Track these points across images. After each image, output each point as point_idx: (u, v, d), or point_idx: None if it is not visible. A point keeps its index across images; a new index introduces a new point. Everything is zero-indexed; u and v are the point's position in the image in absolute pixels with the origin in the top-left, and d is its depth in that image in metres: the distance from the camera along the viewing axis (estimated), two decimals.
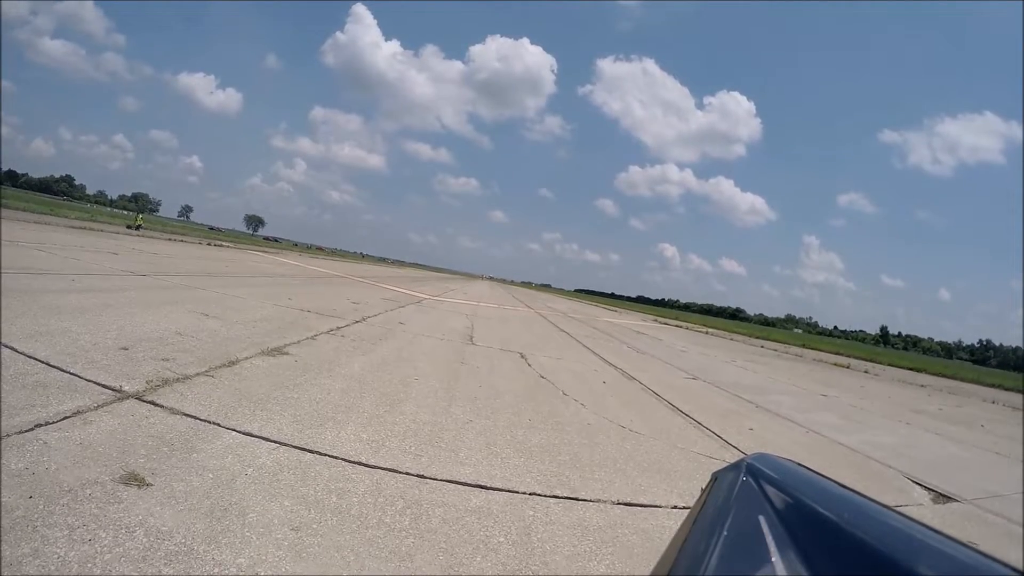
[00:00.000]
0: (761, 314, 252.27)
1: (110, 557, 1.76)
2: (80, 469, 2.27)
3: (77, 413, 2.83)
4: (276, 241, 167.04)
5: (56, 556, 1.72)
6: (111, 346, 4.25)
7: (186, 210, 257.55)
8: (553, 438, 3.92)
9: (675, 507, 3.00)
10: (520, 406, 4.78)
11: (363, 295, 14.07)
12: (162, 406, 3.15)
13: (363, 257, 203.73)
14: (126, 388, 3.33)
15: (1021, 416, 13.29)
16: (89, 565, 1.71)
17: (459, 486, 2.75)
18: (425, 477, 2.77)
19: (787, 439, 5.46)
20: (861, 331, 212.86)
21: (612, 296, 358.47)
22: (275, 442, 2.88)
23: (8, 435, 2.47)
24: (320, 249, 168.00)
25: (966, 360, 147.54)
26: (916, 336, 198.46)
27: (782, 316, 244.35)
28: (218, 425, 2.98)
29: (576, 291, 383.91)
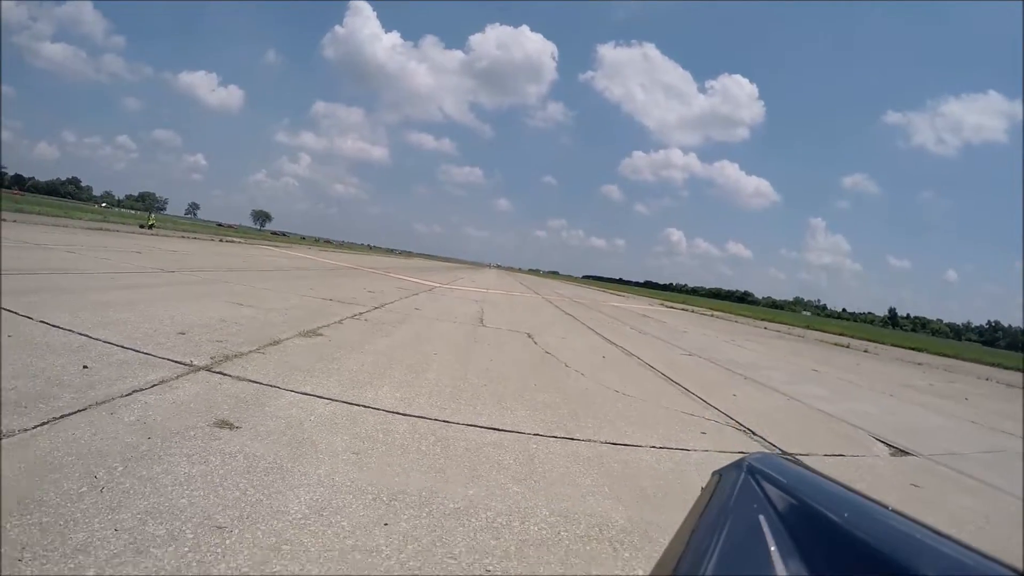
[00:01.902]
0: (769, 297, 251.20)
1: (223, 472, 2.40)
2: (181, 419, 2.92)
3: (163, 382, 3.49)
4: (284, 235, 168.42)
5: (183, 472, 2.36)
6: (170, 332, 4.91)
7: (193, 208, 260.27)
8: (554, 398, 4.57)
9: (652, 447, 3.63)
10: (526, 375, 5.43)
11: (377, 285, 14.75)
12: (229, 375, 3.81)
13: (371, 249, 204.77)
14: (196, 363, 3.99)
15: (1007, 391, 13.76)
16: (208, 477, 2.34)
17: (477, 428, 3.42)
18: (449, 422, 3.44)
19: (766, 405, 6.07)
20: (870, 313, 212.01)
21: (620, 282, 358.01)
22: (327, 399, 3.55)
23: (113, 398, 3.12)
24: (328, 242, 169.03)
25: (975, 341, 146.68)
26: (925, 318, 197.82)
27: (790, 299, 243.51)
28: (278, 388, 3.64)
29: (584, 277, 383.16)
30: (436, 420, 3.45)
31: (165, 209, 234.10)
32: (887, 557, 0.46)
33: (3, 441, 2.38)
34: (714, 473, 0.68)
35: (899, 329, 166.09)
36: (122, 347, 4.17)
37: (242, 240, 39.63)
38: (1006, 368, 22.77)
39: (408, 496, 2.39)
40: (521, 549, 2.10)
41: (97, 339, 4.30)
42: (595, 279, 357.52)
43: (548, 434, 3.53)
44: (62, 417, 2.71)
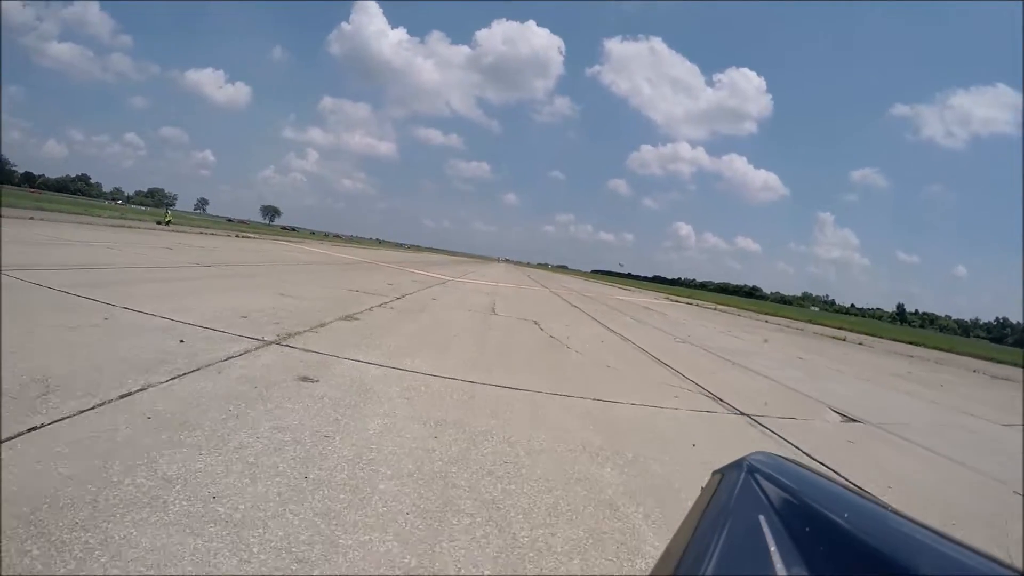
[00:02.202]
0: (778, 292, 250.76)
1: (317, 407, 3.35)
2: (272, 376, 3.88)
3: (247, 352, 4.45)
4: (293, 230, 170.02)
5: (288, 407, 3.30)
6: (233, 316, 5.88)
7: (202, 203, 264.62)
8: (555, 370, 5.53)
9: (631, 403, 4.59)
10: (532, 353, 6.39)
11: (394, 278, 15.75)
12: (295, 347, 4.78)
13: (380, 243, 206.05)
14: (266, 339, 4.96)
15: (988, 382, 14.55)
16: (308, 410, 3.28)
17: (494, 386, 4.40)
18: (473, 382, 4.41)
19: (741, 382, 6.98)
20: (878, 309, 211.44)
21: (628, 276, 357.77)
22: (376, 364, 4.52)
23: (215, 363, 4.08)
24: (337, 236, 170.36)
25: (983, 338, 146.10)
26: (933, 314, 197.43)
27: (799, 294, 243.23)
28: (336, 357, 4.61)
29: (593, 272, 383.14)
30: (462, 380, 4.43)
31: (175, 205, 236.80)
32: (887, 557, 0.46)
33: (148, 391, 3.36)
34: (714, 473, 0.68)
35: (907, 325, 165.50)
36: (201, 327, 5.14)
37: (256, 236, 40.77)
38: (1001, 363, 23.28)
39: (448, 423, 3.35)
40: (528, 455, 3.05)
41: (178, 321, 5.27)
42: (603, 273, 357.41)
43: (549, 392, 4.50)
44: (184, 375, 3.67)
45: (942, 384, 11.22)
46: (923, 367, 15.02)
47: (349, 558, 1.86)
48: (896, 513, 0.53)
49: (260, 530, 1.94)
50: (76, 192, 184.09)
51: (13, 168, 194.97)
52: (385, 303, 8.87)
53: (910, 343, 28.51)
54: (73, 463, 2.20)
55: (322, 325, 5.98)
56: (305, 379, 3.87)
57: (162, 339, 4.48)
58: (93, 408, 2.80)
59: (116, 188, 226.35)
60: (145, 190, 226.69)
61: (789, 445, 4.12)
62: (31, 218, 18.26)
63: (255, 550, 1.82)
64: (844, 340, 21.78)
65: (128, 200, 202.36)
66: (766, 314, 38.31)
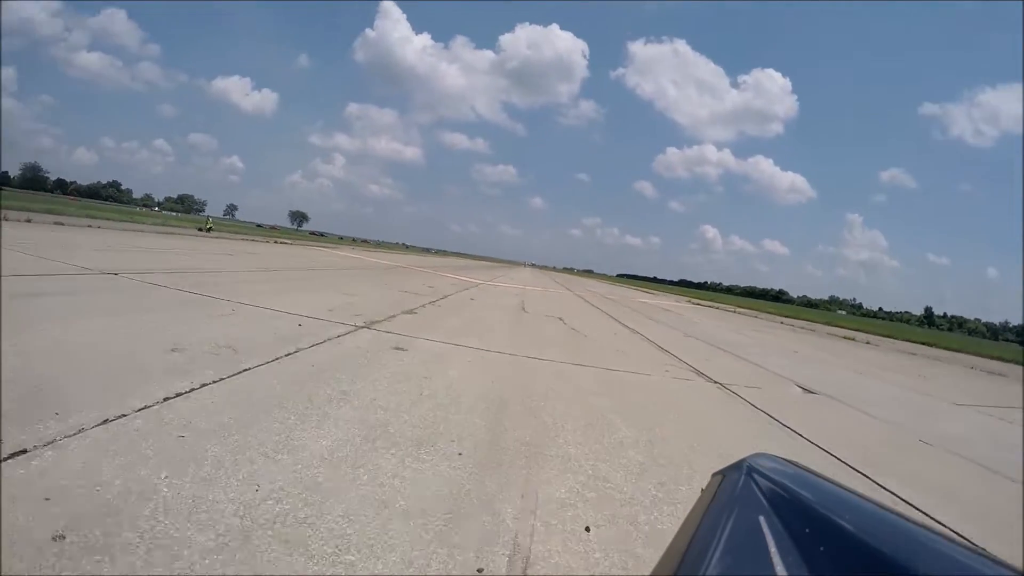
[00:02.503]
0: (805, 296, 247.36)
1: (413, 364, 4.99)
2: (374, 346, 5.54)
3: (348, 332, 6.13)
4: (321, 235, 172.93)
5: (394, 363, 4.95)
6: (322, 309, 7.58)
7: (231, 209, 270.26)
8: (574, 351, 7.14)
9: (630, 372, 6.17)
10: (557, 340, 8.00)
11: (432, 281, 17.51)
12: (380, 330, 6.46)
13: (407, 248, 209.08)
14: (358, 324, 6.65)
15: (977, 375, 15.63)
16: (408, 365, 4.92)
17: (529, 358, 6.04)
18: (514, 355, 6.05)
19: (728, 365, 8.46)
20: (907, 312, 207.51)
21: (654, 280, 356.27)
22: (442, 342, 6.19)
23: (331, 339, 5.75)
24: (365, 242, 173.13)
25: (1013, 341, 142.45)
26: (962, 317, 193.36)
27: (826, 298, 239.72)
28: (412, 337, 6.28)
29: (618, 276, 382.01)
30: (506, 354, 6.09)
31: (204, 211, 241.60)
32: (887, 557, 0.47)
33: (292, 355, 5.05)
34: (714, 474, 0.69)
35: (935, 328, 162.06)
36: (306, 316, 6.83)
37: (290, 241, 42.95)
38: (1006, 361, 23.71)
39: (502, 378, 4.98)
40: (553, 391, 4.66)
41: (285, 312, 6.96)
42: (629, 277, 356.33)
43: (569, 362, 6.12)
44: (318, 344, 5.35)
45: (923, 375, 12.43)
46: (917, 362, 16.17)
47: (454, 425, 3.47)
48: (896, 514, 0.54)
49: (404, 415, 3.56)
50: (107, 198, 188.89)
51: (46, 175, 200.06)
52: (432, 302, 10.57)
53: (922, 343, 29.20)
54: (288, 384, 3.88)
55: (391, 317, 7.67)
56: (397, 348, 5.54)
57: (285, 324, 6.16)
58: (277, 359, 4.47)
59: (147, 194, 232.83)
60: (175, 196, 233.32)
61: (743, 400, 5.64)
62: (89, 226, 19.86)
63: (405, 419, 3.45)
64: (853, 340, 22.85)
65: (159, 206, 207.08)
66: (785, 316, 39.20)
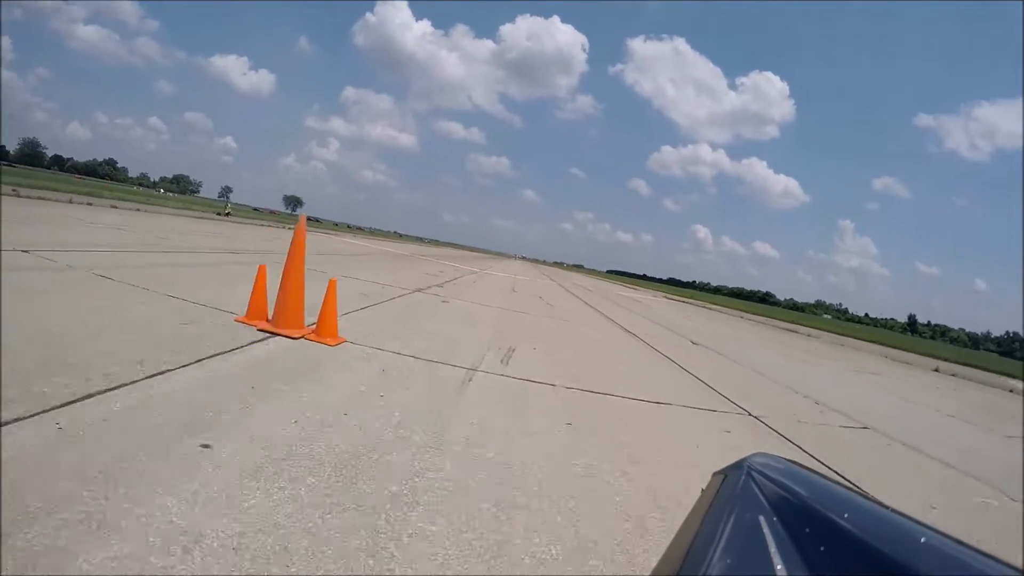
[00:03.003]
0: (791, 299, 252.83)
1: (456, 309, 8.90)
2: (428, 300, 9.42)
3: (410, 293, 10.02)
4: (318, 221, 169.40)
5: (447, 309, 8.83)
6: (375, 282, 11.47)
7: (226, 191, 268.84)
8: (547, 314, 11.10)
9: (581, 327, 10.16)
10: (536, 308, 11.96)
11: (439, 268, 21.41)
12: (427, 294, 10.36)
13: (400, 236, 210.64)
14: (411, 289, 10.54)
15: (931, 376, 19.77)
16: (457, 309, 8.82)
17: (517, 312, 10.02)
18: (511, 310, 10.03)
19: (652, 330, 12.45)
20: (892, 319, 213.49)
21: (644, 277, 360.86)
22: (469, 302, 10.14)
23: (401, 295, 9.65)
24: (360, 229, 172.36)
25: (992, 351, 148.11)
26: (945, 326, 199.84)
27: (811, 302, 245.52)
28: (448, 300, 10.20)
29: (608, 272, 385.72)
30: (505, 309, 10.06)
31: (199, 191, 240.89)
32: (887, 558, 0.47)
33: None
34: (714, 474, 0.70)
35: (918, 336, 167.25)
36: (373, 283, 10.72)
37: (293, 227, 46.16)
38: (974, 367, 24.82)
39: (507, 311, 8.94)
40: (533, 325, 8.63)
41: (367, 281, 10.86)
42: (619, 274, 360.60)
43: (543, 316, 10.10)
44: (396, 298, 9.22)
45: (810, 351, 16.51)
46: (834, 348, 20.28)
47: (482, 329, 7.40)
48: (897, 513, 0.54)
49: (458, 334, 7.45)
50: (104, 176, 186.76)
51: (44, 150, 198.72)
52: (448, 281, 14.50)
53: (871, 341, 33.32)
54: (401, 309, 7.80)
55: (428, 287, 11.57)
56: (444, 301, 9.45)
57: (365, 288, 10.04)
58: (386, 301, 8.35)
59: (142, 174, 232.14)
60: (170, 176, 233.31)
61: (643, 343, 9.60)
62: (114, 206, 20.22)
63: (461, 335, 7.36)
64: (795, 332, 26.98)
65: (154, 185, 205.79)
66: (757, 314, 43.32)
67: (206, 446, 2.31)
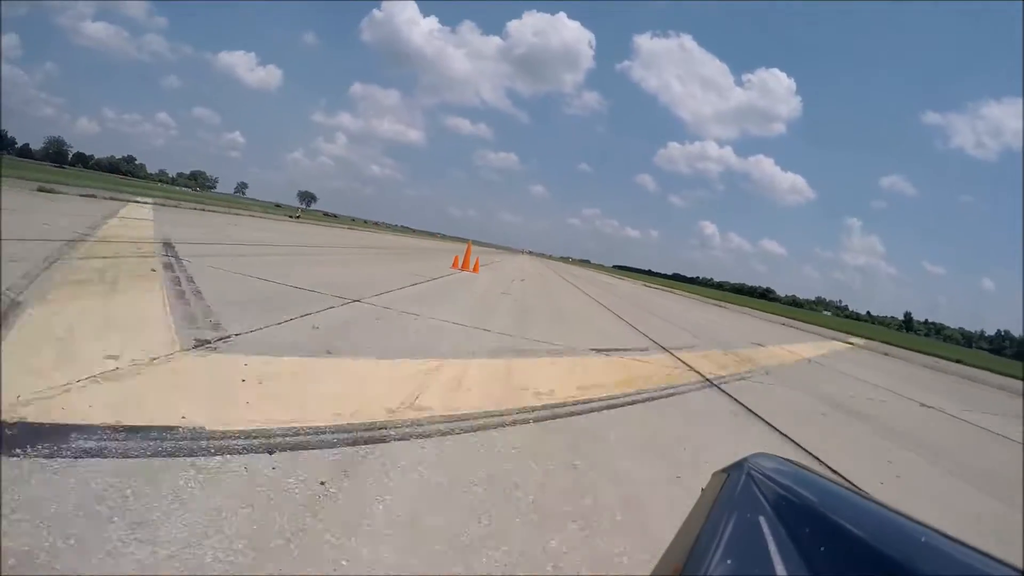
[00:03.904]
0: (793, 296, 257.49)
1: (491, 278, 15.16)
2: (466, 278, 15.72)
3: (455, 273, 16.32)
4: (335, 216, 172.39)
5: (487, 279, 15.13)
6: (436, 267, 17.73)
7: (241, 187, 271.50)
8: (544, 284, 17.38)
9: (560, 291, 16.50)
10: (539, 282, 18.24)
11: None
12: (489, 261, 16.67)
13: (413, 232, 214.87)
14: (452, 272, 16.83)
15: (881, 359, 25.88)
16: (488, 278, 15.07)
17: (520, 282, 16.37)
18: (523, 280, 16.38)
19: (617, 303, 18.69)
20: (892, 317, 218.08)
21: (648, 272, 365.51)
22: (509, 268, 16.48)
23: (450, 274, 15.92)
24: (376, 224, 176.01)
25: (984, 349, 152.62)
26: (941, 324, 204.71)
27: (812, 298, 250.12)
28: (475, 274, 16.51)
29: (614, 267, 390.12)
30: (517, 280, 16.40)
31: (216, 187, 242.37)
32: (887, 557, 0.48)
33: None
34: (714, 474, 0.70)
35: (914, 333, 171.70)
36: (429, 268, 17.01)
37: (341, 226, 51.84)
38: (941, 357, 25.73)
39: (526, 278, 15.25)
40: (533, 288, 14.94)
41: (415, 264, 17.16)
42: (625, 269, 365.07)
43: (537, 287, 16.39)
44: (449, 276, 15.51)
45: (841, 369, 22.64)
46: (781, 326, 26.39)
47: (511, 293, 13.68)
48: (897, 513, 0.54)
49: (492, 295, 13.69)
50: (126, 173, 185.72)
51: (69, 148, 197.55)
52: (488, 263, 20.76)
53: (841, 330, 39.04)
54: (453, 282, 14.11)
55: (492, 262, 17.85)
56: (488, 264, 15.74)
57: (420, 267, 16.32)
58: (437, 278, 14.61)
59: (161, 170, 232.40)
60: (187, 172, 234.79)
61: (594, 301, 15.84)
62: (201, 208, 30.03)
63: (496, 297, 13.64)
64: (793, 326, 33.04)
65: (172, 182, 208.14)
66: (743, 306, 48.83)
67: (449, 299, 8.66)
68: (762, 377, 6.93)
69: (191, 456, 2.04)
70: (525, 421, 3.24)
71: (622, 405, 4.03)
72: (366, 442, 2.47)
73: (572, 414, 3.57)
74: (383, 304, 6.54)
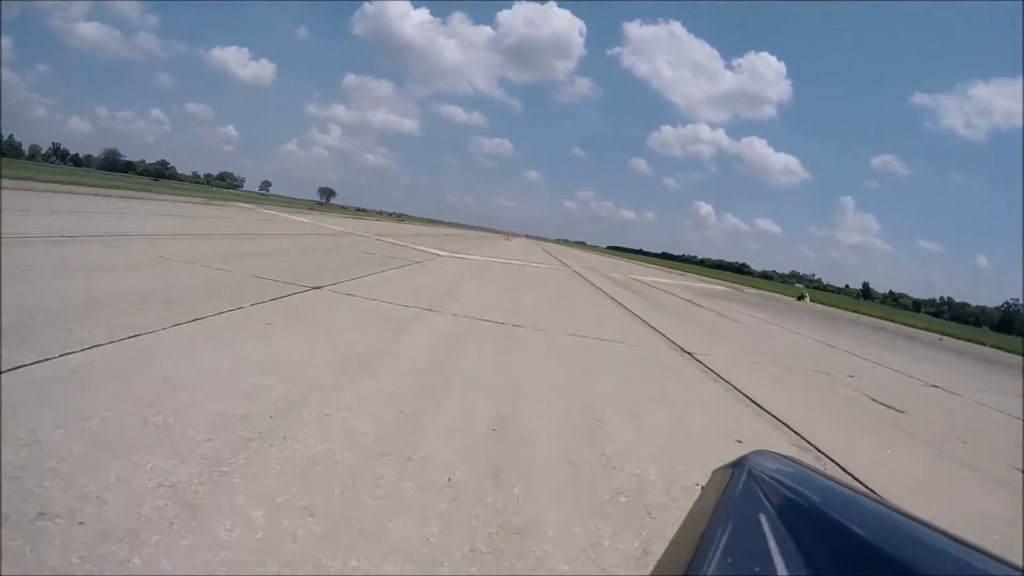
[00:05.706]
0: (766, 270, 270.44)
1: (513, 252, 26.26)
2: (486, 262, 26.83)
3: (489, 246, 27.39)
4: (343, 209, 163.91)
5: (507, 258, 26.26)
6: (467, 245, 28.82)
7: (266, 185, 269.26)
8: (529, 257, 28.62)
9: (541, 267, 27.83)
10: (527, 256, 29.45)
11: (475, 242, 38.69)
12: (494, 240, 27.77)
13: (416, 220, 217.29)
14: (487, 258, 27.90)
15: (808, 314, 37.51)
16: (505, 253, 26.15)
17: (507, 261, 27.65)
18: (510, 261, 27.64)
19: (583, 270, 29.92)
20: (854, 288, 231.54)
21: (640, 252, 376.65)
22: (511, 248, 27.70)
23: (510, 242, 26.97)
24: (391, 215, 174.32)
25: (929, 313, 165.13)
26: (901, 293, 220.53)
27: (787, 272, 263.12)
28: (510, 243, 27.63)
29: (608, 248, 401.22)
30: (511, 262, 27.66)
31: (242, 187, 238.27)
32: (888, 556, 0.47)
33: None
34: (714, 472, 0.69)
35: (870, 301, 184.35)
36: (478, 243, 28.11)
37: (371, 217, 61.41)
38: (870, 315, 34.20)
39: (522, 257, 26.47)
40: (517, 259, 26.16)
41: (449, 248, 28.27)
42: (619, 249, 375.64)
43: (529, 262, 27.67)
44: (487, 244, 26.57)
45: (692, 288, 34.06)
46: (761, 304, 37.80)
47: (512, 264, 24.82)
48: (898, 512, 0.54)
49: (494, 268, 24.79)
50: (168, 177, 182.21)
51: (123, 158, 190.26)
52: (504, 241, 31.85)
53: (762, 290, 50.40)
54: (481, 263, 25.27)
55: (497, 243, 28.92)
56: (507, 237, 26.84)
57: (460, 243, 27.37)
58: (514, 244, 25.68)
59: (194, 172, 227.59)
60: (215, 174, 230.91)
61: (555, 258, 27.01)
62: (310, 208, 40.69)
63: (501, 271, 24.77)
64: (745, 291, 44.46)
65: (208, 183, 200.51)
66: (706, 276, 60.08)
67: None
68: (603, 275, 18.24)
69: None
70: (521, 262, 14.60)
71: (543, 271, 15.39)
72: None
73: (526, 264, 14.95)
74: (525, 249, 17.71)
